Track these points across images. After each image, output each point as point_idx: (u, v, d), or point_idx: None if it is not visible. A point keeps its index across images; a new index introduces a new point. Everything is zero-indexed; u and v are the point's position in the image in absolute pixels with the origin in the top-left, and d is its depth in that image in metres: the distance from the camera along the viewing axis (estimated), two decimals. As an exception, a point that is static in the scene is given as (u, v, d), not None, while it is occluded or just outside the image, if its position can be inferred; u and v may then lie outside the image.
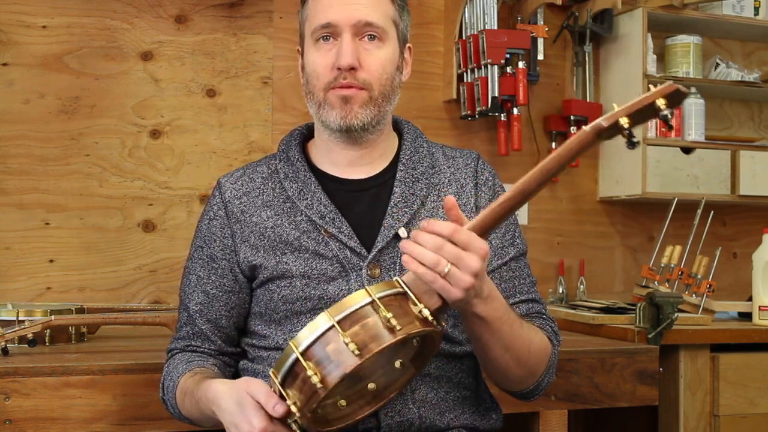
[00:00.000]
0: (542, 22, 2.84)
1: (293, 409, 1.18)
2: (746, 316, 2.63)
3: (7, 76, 2.45)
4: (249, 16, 2.64)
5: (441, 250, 1.20)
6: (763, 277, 2.54)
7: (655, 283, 2.65)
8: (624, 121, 1.26)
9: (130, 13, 2.55)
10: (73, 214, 2.49)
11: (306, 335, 1.19)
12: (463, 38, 2.78)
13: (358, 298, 1.20)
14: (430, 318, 1.21)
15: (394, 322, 1.17)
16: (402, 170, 1.52)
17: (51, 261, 2.46)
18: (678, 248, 2.67)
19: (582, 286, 2.90)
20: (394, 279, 1.25)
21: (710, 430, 2.35)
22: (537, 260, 2.91)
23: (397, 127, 1.60)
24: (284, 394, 1.19)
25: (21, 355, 1.84)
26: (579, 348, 2.13)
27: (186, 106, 2.59)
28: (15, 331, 1.87)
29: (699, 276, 2.61)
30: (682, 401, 2.33)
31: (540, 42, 2.83)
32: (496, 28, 2.72)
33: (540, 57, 2.84)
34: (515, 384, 1.48)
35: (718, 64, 3.04)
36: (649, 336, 2.26)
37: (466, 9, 2.77)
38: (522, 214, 2.89)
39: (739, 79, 2.99)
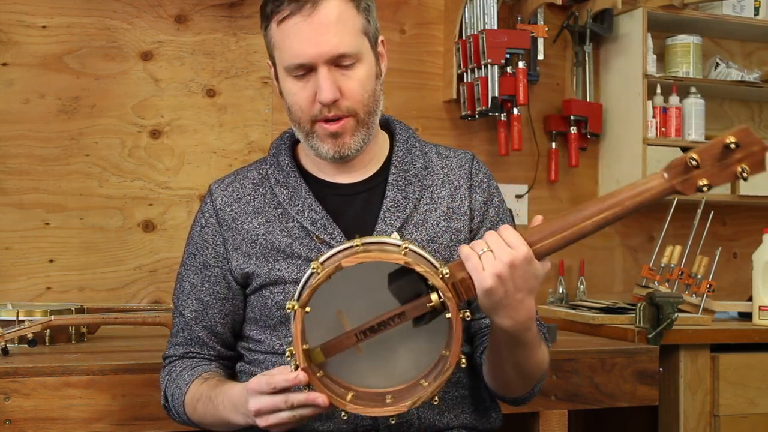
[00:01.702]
0: (542, 22, 2.84)
1: (287, 308, 1.21)
2: (746, 316, 2.63)
3: (7, 76, 2.45)
4: (249, 16, 2.64)
5: (489, 235, 1.26)
6: (763, 277, 2.54)
7: (655, 283, 2.65)
8: (693, 157, 1.24)
9: (130, 13, 2.55)
10: (73, 214, 2.49)
11: (330, 251, 1.25)
12: (463, 38, 2.77)
13: (391, 238, 1.26)
14: (447, 276, 1.22)
15: (408, 248, 1.21)
16: (394, 173, 1.51)
17: (51, 261, 2.46)
18: (678, 248, 2.66)
19: (582, 286, 2.90)
20: (440, 260, 1.28)
21: (710, 430, 2.35)
22: (537, 260, 2.91)
23: (389, 126, 1.58)
24: (290, 302, 1.22)
25: (21, 355, 1.84)
26: (579, 348, 2.13)
27: (186, 106, 2.59)
28: (15, 331, 1.87)
29: (699, 276, 2.61)
30: (682, 401, 2.32)
31: (540, 42, 2.83)
32: (496, 28, 2.72)
33: (540, 57, 2.84)
34: (511, 392, 1.48)
35: (718, 64, 3.04)
36: (649, 336, 2.26)
37: (466, 9, 2.77)
38: (522, 215, 2.89)
39: (739, 79, 2.99)
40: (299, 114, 1.44)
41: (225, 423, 1.40)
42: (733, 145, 1.23)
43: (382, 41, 1.51)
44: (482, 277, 1.22)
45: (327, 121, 1.42)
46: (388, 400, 1.26)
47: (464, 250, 1.25)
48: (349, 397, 1.24)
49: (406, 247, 1.21)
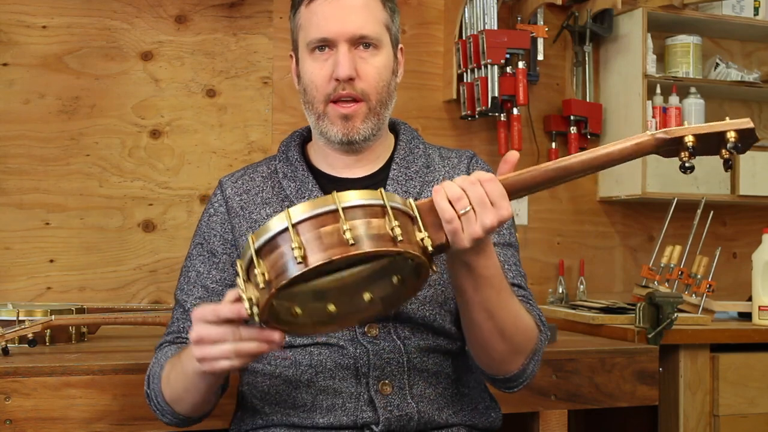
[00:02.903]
0: (542, 22, 2.84)
1: (259, 280, 1.09)
2: (746, 316, 2.63)
3: (7, 76, 2.45)
4: (249, 16, 2.64)
5: (469, 188, 1.20)
6: (763, 277, 2.54)
7: (655, 283, 2.65)
8: (689, 140, 1.23)
9: (130, 13, 2.55)
10: (73, 214, 2.49)
11: (305, 209, 1.11)
12: (463, 38, 2.78)
13: (372, 196, 1.14)
14: (430, 250, 1.15)
15: (398, 231, 1.11)
16: (395, 169, 1.53)
17: (51, 261, 2.46)
18: (678, 248, 2.67)
19: (582, 286, 2.90)
20: (408, 200, 1.19)
21: (710, 430, 2.35)
22: (537, 260, 2.92)
23: (394, 128, 1.62)
24: (255, 262, 1.10)
25: (21, 355, 1.84)
26: (579, 348, 2.13)
27: (186, 106, 2.59)
28: (15, 331, 1.87)
29: (699, 276, 2.61)
30: (682, 401, 2.33)
31: (540, 42, 2.83)
32: (496, 28, 2.72)
33: (540, 57, 2.84)
34: (498, 363, 1.41)
35: (717, 64, 3.05)
36: (649, 336, 2.26)
37: (466, 9, 2.77)
38: (522, 214, 2.89)
39: (739, 79, 2.99)
40: (314, 93, 1.48)
41: (190, 381, 1.34)
42: (732, 149, 1.22)
43: (401, 48, 1.56)
44: (461, 239, 1.19)
45: (340, 101, 1.45)
46: (330, 308, 1.20)
47: (446, 212, 1.18)
48: (297, 311, 1.17)
49: (391, 223, 1.11)
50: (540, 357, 1.46)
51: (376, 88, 1.47)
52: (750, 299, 2.62)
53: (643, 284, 2.66)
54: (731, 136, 1.21)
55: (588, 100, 2.94)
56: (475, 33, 2.74)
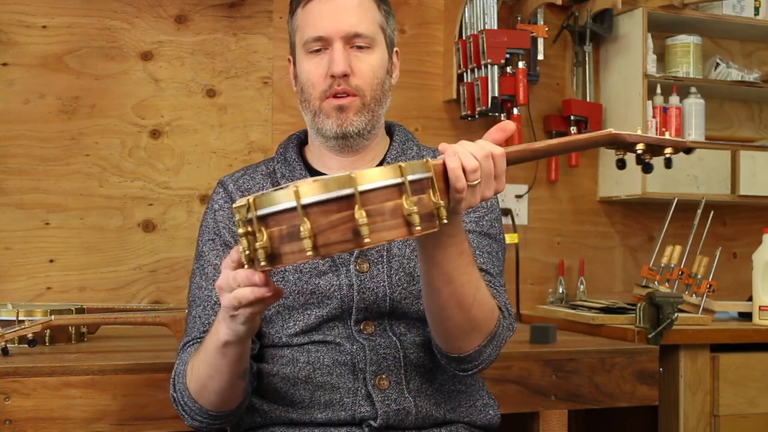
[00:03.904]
0: (542, 22, 2.84)
1: (306, 244, 1.02)
2: (746, 316, 2.63)
3: (7, 76, 2.45)
4: (249, 16, 2.64)
5: (484, 162, 1.22)
6: (763, 277, 2.54)
7: (655, 283, 2.65)
8: (640, 147, 1.40)
9: (130, 13, 2.55)
10: (73, 214, 2.49)
11: (376, 177, 1.04)
12: (463, 38, 2.78)
13: (421, 168, 1.10)
14: (445, 221, 1.13)
15: (444, 213, 1.11)
16: None
17: (51, 261, 2.46)
18: (678, 248, 2.67)
19: (582, 286, 2.90)
20: (427, 161, 1.14)
21: (710, 430, 2.35)
22: (537, 260, 2.92)
23: (389, 130, 1.64)
24: (301, 218, 1.03)
25: (21, 355, 1.84)
26: (579, 348, 2.13)
27: (186, 106, 2.59)
28: (15, 331, 1.87)
29: (699, 276, 2.61)
30: (682, 401, 2.33)
31: (540, 42, 2.83)
32: (496, 28, 2.72)
33: (540, 57, 2.84)
34: (454, 338, 1.38)
35: (718, 64, 3.05)
36: (649, 336, 2.26)
37: (466, 9, 2.77)
38: (522, 214, 2.89)
39: (739, 79, 2.99)
40: (310, 91, 1.50)
41: (212, 361, 1.32)
42: (668, 156, 1.43)
43: (396, 52, 1.60)
44: (461, 207, 1.21)
45: (335, 96, 1.48)
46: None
47: (461, 182, 1.18)
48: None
49: (435, 201, 1.10)
50: (500, 344, 1.42)
51: (370, 84, 1.50)
52: (750, 299, 2.62)
53: (643, 284, 2.66)
54: (668, 151, 1.43)
55: (588, 100, 2.94)
56: (475, 33, 2.74)
